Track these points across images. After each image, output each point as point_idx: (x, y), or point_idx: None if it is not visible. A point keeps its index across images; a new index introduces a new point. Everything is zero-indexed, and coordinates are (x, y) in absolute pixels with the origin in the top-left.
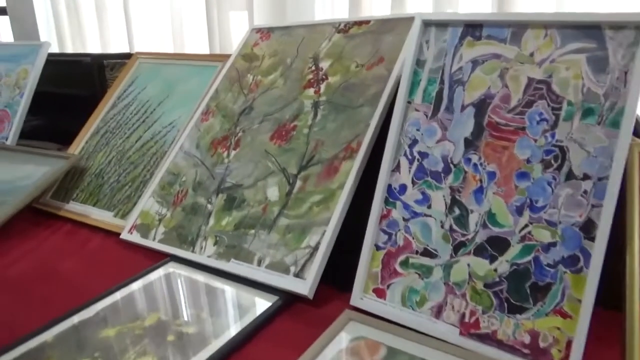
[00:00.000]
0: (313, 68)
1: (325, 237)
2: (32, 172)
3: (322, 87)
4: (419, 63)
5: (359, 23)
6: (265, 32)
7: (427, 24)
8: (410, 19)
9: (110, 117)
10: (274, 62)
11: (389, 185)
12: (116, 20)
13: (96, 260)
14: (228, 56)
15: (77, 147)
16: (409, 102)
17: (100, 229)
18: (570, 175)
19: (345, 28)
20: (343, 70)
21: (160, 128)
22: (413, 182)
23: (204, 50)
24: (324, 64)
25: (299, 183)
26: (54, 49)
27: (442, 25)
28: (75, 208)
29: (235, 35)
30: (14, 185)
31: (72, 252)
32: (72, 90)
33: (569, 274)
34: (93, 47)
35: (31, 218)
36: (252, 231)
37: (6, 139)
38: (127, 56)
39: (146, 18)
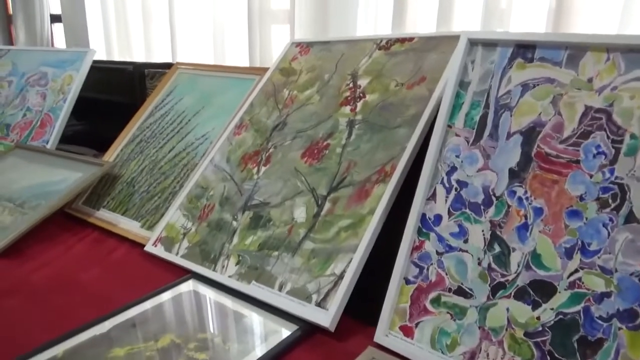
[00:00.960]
0: (351, 85)
1: (351, 265)
2: (67, 177)
3: (359, 105)
4: (462, 85)
5: (402, 40)
6: (304, 47)
7: (473, 43)
8: (455, 38)
9: (147, 126)
10: (311, 77)
11: (423, 215)
12: (161, 30)
13: (118, 272)
14: (265, 69)
15: (112, 154)
16: (449, 126)
17: (126, 239)
18: (630, 218)
19: (387, 45)
20: (382, 89)
21: (194, 139)
22: (449, 213)
23: (245, 62)
24: (363, 82)
25: (327, 205)
26: (102, 56)
27: (490, 44)
28: (104, 216)
29: (276, 48)
30: (48, 189)
31: (96, 261)
32: (113, 97)
33: (624, 331)
34: (138, 55)
35: (62, 222)
36: (276, 253)
37: (47, 143)
38: (168, 66)
39: (189, 28)
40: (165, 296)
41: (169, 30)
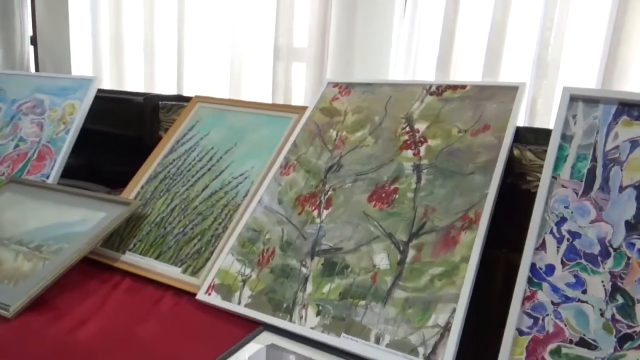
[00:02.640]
0: (407, 129)
1: (456, 315)
2: (87, 217)
3: (422, 149)
4: (565, 137)
5: (454, 87)
6: (344, 87)
7: (574, 99)
8: (512, 88)
9: (169, 162)
10: (360, 119)
11: (533, 264)
12: (165, 61)
13: (175, 325)
14: (301, 108)
15: (131, 191)
16: (554, 177)
17: (167, 285)
18: None
19: (438, 91)
20: (444, 134)
21: (230, 178)
22: (563, 263)
23: (262, 98)
24: (420, 126)
25: (411, 252)
26: None
27: (591, 101)
28: (134, 260)
29: (296, 87)
30: (68, 230)
31: (144, 313)
32: (117, 129)
33: None
34: (133, 86)
35: (83, 268)
36: (363, 302)
37: (47, 177)
38: (182, 98)
39: (197, 62)
40: (245, 353)
41: (174, 62)
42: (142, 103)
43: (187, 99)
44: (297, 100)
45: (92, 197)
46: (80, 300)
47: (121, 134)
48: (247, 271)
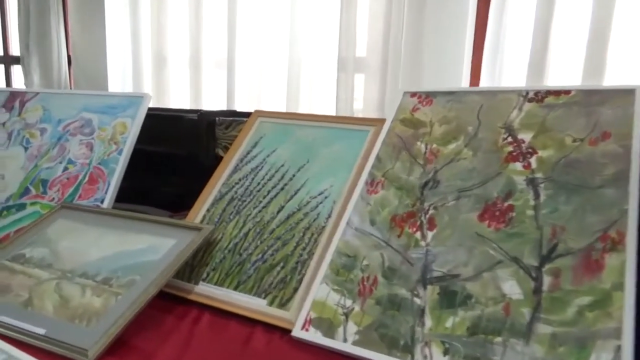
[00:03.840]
0: (510, 139)
1: (624, 355)
2: (155, 245)
3: (532, 161)
4: None
5: (556, 93)
6: (424, 97)
7: None
8: (627, 91)
9: (235, 182)
10: (449, 129)
11: None
12: (212, 75)
13: None
14: (377, 120)
15: (196, 214)
16: None
17: (252, 320)
18: None
19: (537, 97)
20: (555, 145)
21: (308, 198)
22: None
23: (321, 110)
24: (524, 136)
25: (547, 278)
26: None
27: None
28: (209, 291)
29: (360, 98)
30: (136, 260)
31: (235, 354)
32: (168, 148)
33: None
34: (177, 102)
35: (152, 301)
36: (499, 339)
37: (101, 202)
38: (237, 114)
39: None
40: None
41: (224, 78)
42: (196, 120)
43: (243, 114)
44: (363, 111)
45: (156, 223)
46: (161, 340)
47: (173, 152)
48: (348, 303)
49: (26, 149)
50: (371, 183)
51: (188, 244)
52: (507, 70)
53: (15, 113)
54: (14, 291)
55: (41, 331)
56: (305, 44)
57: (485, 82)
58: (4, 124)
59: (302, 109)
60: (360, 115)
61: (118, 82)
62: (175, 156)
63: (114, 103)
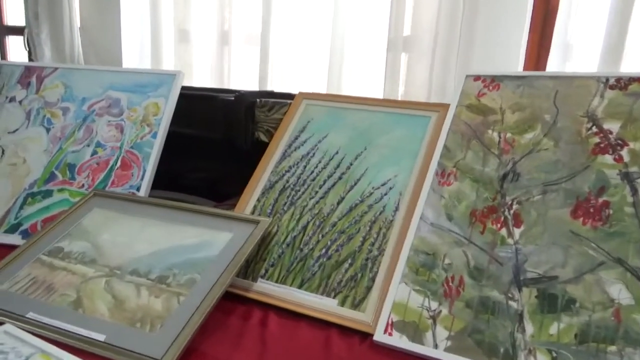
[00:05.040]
0: (595, 129)
1: None
2: (210, 239)
3: (624, 154)
4: None
5: None
6: (489, 81)
7: None
8: None
9: (285, 170)
10: (524, 117)
11: None
12: (243, 53)
13: None
14: (439, 105)
15: (246, 204)
16: None
17: (323, 321)
18: None
19: (619, 84)
20: None
21: (371, 189)
22: None
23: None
24: (611, 126)
25: None
26: None
27: None
28: (270, 289)
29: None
30: (193, 256)
31: None
32: (200, 131)
33: None
34: (202, 81)
35: None
36: (613, 348)
37: (137, 189)
38: (274, 95)
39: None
40: None
41: (256, 56)
42: (233, 101)
43: (282, 96)
44: (413, 94)
45: (204, 214)
46: (233, 346)
47: (205, 136)
48: (434, 305)
49: (48, 130)
50: (442, 174)
51: (247, 238)
52: (576, 55)
53: (33, 90)
54: (58, 290)
55: (100, 337)
56: (350, 19)
57: (551, 67)
58: (20, 101)
59: (345, 92)
60: (404, 99)
61: (134, 58)
62: (208, 140)
63: (143, 81)
